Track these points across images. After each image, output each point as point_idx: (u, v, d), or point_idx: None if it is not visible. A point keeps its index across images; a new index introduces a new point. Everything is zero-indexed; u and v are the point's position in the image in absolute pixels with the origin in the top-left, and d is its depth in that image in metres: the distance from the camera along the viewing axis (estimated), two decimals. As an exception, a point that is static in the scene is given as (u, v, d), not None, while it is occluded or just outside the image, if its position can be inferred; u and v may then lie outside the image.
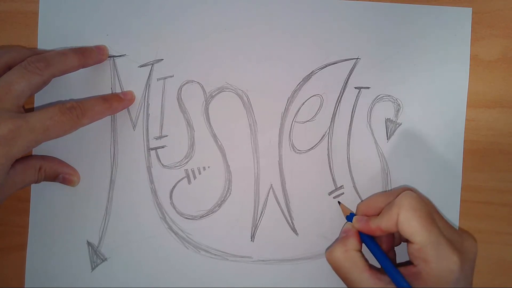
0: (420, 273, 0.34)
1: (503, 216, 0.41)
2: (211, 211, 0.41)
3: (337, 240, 0.39)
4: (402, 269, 0.35)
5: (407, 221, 0.34)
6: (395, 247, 0.39)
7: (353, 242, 0.37)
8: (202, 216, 0.41)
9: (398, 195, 0.36)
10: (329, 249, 0.38)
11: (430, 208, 0.36)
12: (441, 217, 0.37)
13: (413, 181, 0.41)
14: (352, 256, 0.36)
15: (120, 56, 0.41)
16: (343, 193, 0.41)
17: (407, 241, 0.35)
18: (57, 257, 0.41)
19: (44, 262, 0.41)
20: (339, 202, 0.41)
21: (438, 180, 0.41)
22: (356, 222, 0.38)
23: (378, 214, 0.37)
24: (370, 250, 0.37)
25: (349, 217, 0.39)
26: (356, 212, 0.40)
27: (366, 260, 0.36)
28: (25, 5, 0.41)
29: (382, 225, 0.36)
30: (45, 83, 0.37)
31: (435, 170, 0.41)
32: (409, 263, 0.35)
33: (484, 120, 0.41)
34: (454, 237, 0.35)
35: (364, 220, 0.37)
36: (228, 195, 0.41)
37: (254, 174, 0.41)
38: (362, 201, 0.40)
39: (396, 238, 0.39)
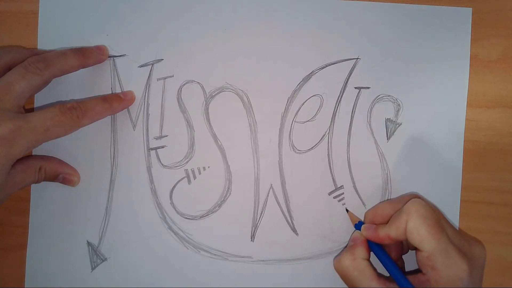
0: (429, 281, 0.34)
1: (503, 216, 0.41)
2: (211, 211, 0.41)
3: (345, 248, 0.39)
4: (411, 277, 0.35)
5: (416, 229, 0.34)
6: (403, 255, 0.39)
7: (361, 251, 0.37)
8: (202, 216, 0.41)
9: (405, 203, 0.36)
10: (337, 257, 0.38)
11: (438, 216, 0.36)
12: (449, 224, 0.37)
13: (413, 181, 0.41)
14: (360, 264, 0.36)
15: (120, 56, 0.41)
16: (343, 193, 0.41)
17: (415, 249, 0.35)
18: (57, 257, 0.41)
19: (44, 262, 0.41)
20: (347, 210, 0.41)
21: (438, 180, 0.41)
22: (365, 231, 0.38)
23: (386, 222, 0.37)
24: (378, 258, 0.37)
25: (358, 225, 0.39)
26: (363, 220, 0.40)
27: (375, 269, 0.36)
28: (25, 5, 0.41)
29: (391, 233, 0.36)
30: (45, 83, 0.37)
31: (435, 170, 0.41)
32: (418, 271, 0.35)
33: (484, 120, 0.41)
34: (463, 244, 0.35)
35: (373, 228, 0.37)
36: (228, 195, 0.41)
37: (254, 174, 0.41)
38: (369, 209, 0.40)
39: (405, 246, 0.39)
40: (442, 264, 0.33)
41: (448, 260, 0.33)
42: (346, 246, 0.40)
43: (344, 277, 0.36)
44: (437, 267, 0.33)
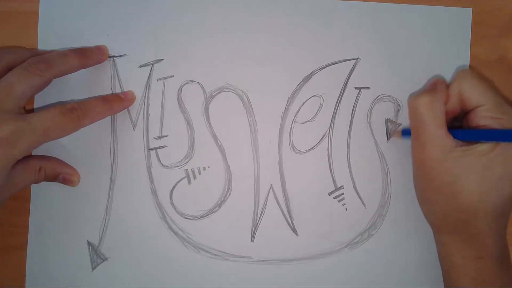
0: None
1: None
2: (211, 211, 0.41)
3: (424, 89, 0.40)
4: None
5: (475, 85, 0.36)
6: None
7: (441, 94, 0.37)
8: (202, 216, 0.41)
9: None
10: (414, 94, 0.39)
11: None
12: None
13: (413, 181, 0.41)
14: (437, 107, 0.36)
15: (120, 56, 0.41)
16: (343, 193, 0.41)
17: (468, 111, 0.37)
18: (57, 257, 0.41)
19: (44, 262, 0.41)
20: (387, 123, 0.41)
21: (438, 180, 0.41)
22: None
23: None
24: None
25: (405, 132, 0.40)
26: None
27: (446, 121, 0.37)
28: (25, 5, 0.41)
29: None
30: (46, 84, 0.37)
31: (435, 170, 0.41)
32: None
33: (484, 120, 0.41)
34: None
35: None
36: (228, 195, 0.41)
37: (254, 174, 0.41)
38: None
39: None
40: (504, 112, 0.35)
41: (506, 109, 0.36)
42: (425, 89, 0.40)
43: (415, 114, 0.37)
44: (498, 115, 0.35)
